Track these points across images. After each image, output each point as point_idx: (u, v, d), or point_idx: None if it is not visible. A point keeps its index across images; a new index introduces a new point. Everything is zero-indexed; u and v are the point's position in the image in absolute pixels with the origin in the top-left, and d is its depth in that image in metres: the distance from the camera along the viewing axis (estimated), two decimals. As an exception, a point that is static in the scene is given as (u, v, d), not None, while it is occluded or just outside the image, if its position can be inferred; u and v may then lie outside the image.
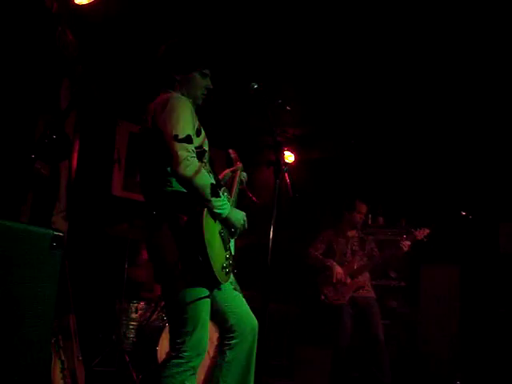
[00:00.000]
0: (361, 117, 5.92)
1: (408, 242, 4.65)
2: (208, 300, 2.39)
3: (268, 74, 4.86)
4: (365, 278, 4.89)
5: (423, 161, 6.20)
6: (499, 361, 5.21)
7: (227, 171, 2.89)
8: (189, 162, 2.27)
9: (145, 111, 2.50)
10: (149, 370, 4.21)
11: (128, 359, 4.48)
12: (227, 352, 2.53)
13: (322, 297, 4.84)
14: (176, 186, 2.38)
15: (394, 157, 6.43)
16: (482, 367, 5.33)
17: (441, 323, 5.76)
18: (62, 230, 2.33)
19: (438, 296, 5.87)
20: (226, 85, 3.91)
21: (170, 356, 2.37)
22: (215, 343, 2.61)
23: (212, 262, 2.31)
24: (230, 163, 2.95)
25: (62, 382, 3.23)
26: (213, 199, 2.33)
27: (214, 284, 2.40)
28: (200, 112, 2.57)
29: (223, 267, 2.42)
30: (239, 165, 2.93)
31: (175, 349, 2.34)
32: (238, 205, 2.76)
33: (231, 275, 2.54)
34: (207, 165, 2.52)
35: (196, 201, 2.35)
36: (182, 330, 2.34)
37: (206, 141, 2.53)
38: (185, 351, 2.32)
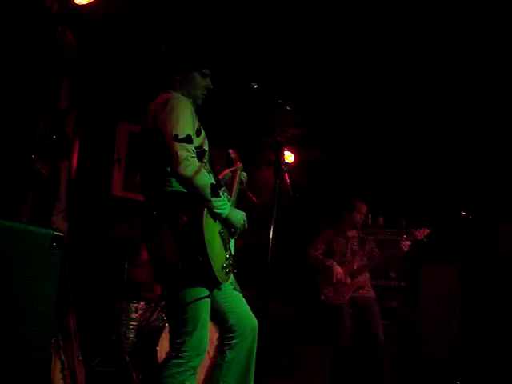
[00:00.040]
0: (361, 117, 5.92)
1: (408, 242, 4.65)
2: (208, 300, 2.38)
3: (268, 74, 4.86)
4: (365, 278, 4.89)
5: (423, 161, 6.20)
6: (499, 361, 5.21)
7: (227, 171, 2.89)
8: (189, 161, 2.27)
9: (145, 111, 2.50)
10: (149, 369, 4.21)
11: (128, 359, 4.47)
12: (227, 352, 2.53)
13: (322, 297, 4.84)
14: (176, 185, 2.38)
15: (393, 157, 6.43)
16: (482, 367, 5.33)
17: (441, 323, 5.76)
18: (62, 230, 2.32)
19: (438, 296, 5.87)
20: (226, 85, 3.91)
21: (170, 356, 2.37)
22: (215, 343, 2.61)
23: (212, 262, 2.31)
24: (229, 163, 2.95)
25: (61, 381, 3.23)
26: (213, 199, 2.33)
27: (214, 284, 2.40)
28: (200, 112, 2.57)
29: (223, 267, 2.42)
30: (239, 165, 2.93)
31: (175, 349, 2.34)
32: (238, 205, 2.76)
33: (231, 275, 2.54)
34: (207, 165, 2.52)
35: (196, 201, 2.35)
36: (182, 329, 2.34)
37: (206, 141, 2.53)
38: (185, 351, 2.32)
